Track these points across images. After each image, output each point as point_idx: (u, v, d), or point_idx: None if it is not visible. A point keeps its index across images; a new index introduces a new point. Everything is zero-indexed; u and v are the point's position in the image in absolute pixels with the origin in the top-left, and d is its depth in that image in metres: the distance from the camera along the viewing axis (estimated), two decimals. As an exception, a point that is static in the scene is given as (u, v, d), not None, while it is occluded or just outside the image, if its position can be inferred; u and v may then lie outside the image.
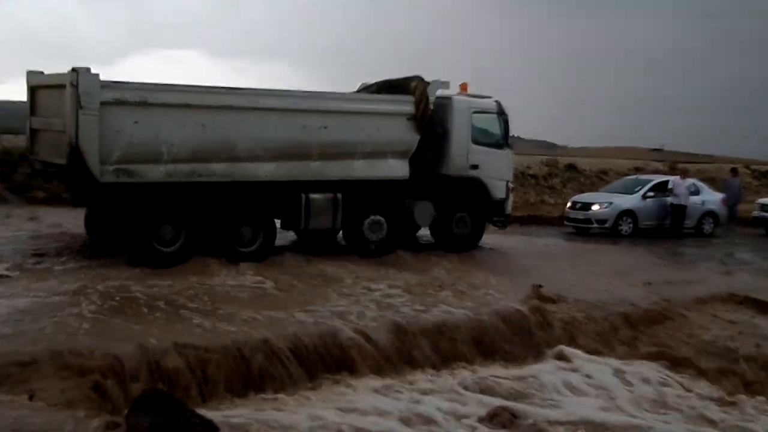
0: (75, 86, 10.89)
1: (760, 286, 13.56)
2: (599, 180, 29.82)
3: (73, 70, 10.92)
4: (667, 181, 21.40)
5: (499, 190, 15.43)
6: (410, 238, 15.68)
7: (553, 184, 28.83)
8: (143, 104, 11.42)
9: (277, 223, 13.37)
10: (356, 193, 13.66)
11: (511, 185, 15.80)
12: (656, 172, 29.94)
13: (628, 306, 11.30)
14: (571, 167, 31.70)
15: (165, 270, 11.42)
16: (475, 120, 15.06)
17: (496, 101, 15.49)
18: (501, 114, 15.40)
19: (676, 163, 34.56)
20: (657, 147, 51.55)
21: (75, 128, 10.96)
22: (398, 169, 13.99)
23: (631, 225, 20.46)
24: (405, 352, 9.32)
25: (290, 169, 12.82)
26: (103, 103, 11.09)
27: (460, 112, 14.90)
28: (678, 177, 21.42)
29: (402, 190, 14.26)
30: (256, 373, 8.26)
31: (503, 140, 15.48)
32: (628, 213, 20.48)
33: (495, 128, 15.40)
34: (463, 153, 14.88)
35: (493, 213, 15.55)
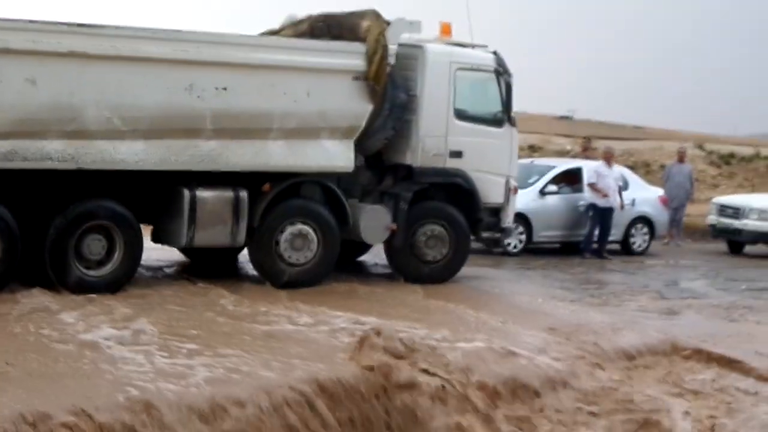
0: None
1: (715, 330, 13.85)
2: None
3: None
4: (578, 169, 21.45)
5: (493, 191, 15.76)
6: (351, 261, 16.02)
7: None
8: (-63, 47, 11.56)
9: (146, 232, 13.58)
10: (271, 191, 13.90)
11: (513, 184, 16.17)
12: (562, 154, 30.10)
13: (508, 366, 10.87)
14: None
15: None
16: (461, 82, 15.37)
17: (494, 53, 15.83)
18: (501, 73, 15.72)
19: (590, 138, 32.64)
20: (565, 114, 51.39)
21: None
22: (337, 155, 14.25)
23: (522, 237, 20.61)
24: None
25: (167, 152, 13.01)
26: None
27: (437, 68, 15.16)
28: (601, 163, 21.42)
29: (343, 189, 14.53)
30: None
31: (504, 114, 15.81)
32: (517, 218, 19.83)
33: (491, 95, 15.73)
34: (438, 133, 15.17)
35: (483, 226, 15.86)
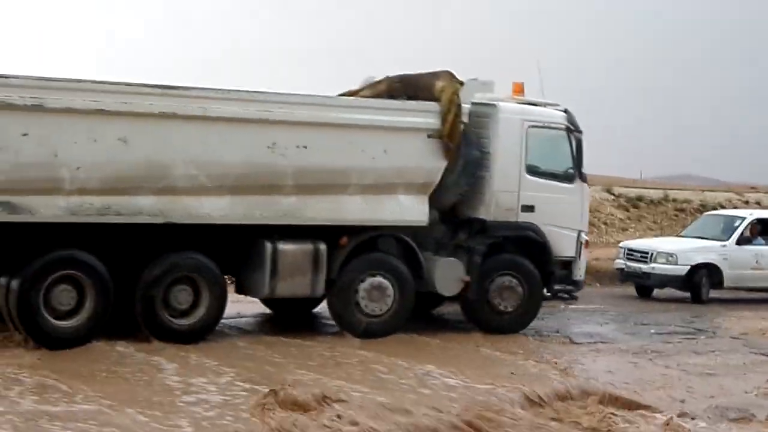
0: (-60, 82, 11.71)
1: (624, 375, 13.60)
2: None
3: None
4: None
5: (565, 245, 16.10)
6: (426, 312, 16.41)
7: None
8: (38, 108, 12.22)
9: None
10: (349, 244, 14.38)
11: (584, 238, 16.46)
12: None
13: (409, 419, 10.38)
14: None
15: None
16: (532, 139, 15.77)
17: (565, 110, 16.24)
18: (572, 131, 16.11)
19: None
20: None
21: (-63, 141, 11.78)
22: (413, 210, 14.71)
23: None
24: None
25: (251, 206, 13.57)
26: (-21, 107, 11.91)
27: (510, 126, 15.58)
28: None
29: (418, 242, 14.94)
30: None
31: (574, 170, 16.19)
32: None
33: (562, 152, 16.13)
34: (511, 188, 15.57)
35: (555, 279, 16.16)
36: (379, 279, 14.57)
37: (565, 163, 16.18)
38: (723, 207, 34.06)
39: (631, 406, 11.73)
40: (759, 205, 36.91)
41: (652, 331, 17.64)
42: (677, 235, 25.92)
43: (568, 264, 16.23)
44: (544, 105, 16.31)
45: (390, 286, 14.64)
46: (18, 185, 12.18)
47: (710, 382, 13.43)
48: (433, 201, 14.95)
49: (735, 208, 33.29)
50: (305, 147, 13.79)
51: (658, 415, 11.33)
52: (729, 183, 56.50)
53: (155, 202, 12.98)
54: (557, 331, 17.08)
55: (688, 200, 36.73)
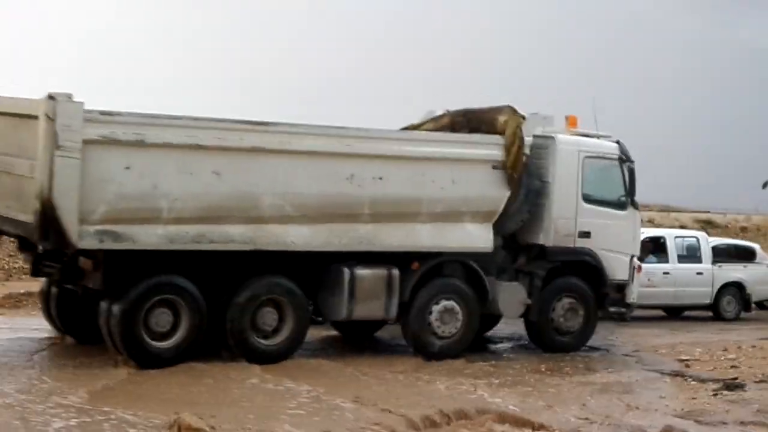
0: (52, 119, 12.32)
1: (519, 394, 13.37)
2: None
3: (50, 96, 12.34)
4: None
5: (619, 268, 16.80)
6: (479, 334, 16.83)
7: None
8: (139, 144, 12.90)
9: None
10: (420, 269, 15.07)
11: (637, 262, 17.14)
12: None
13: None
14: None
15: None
16: (588, 169, 16.50)
17: (618, 142, 16.96)
18: (625, 161, 16.83)
19: None
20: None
21: (48, 174, 12.35)
22: (479, 236, 15.40)
23: None
24: None
25: (331, 234, 14.26)
26: (86, 142, 12.53)
27: (567, 157, 16.31)
28: None
29: (481, 267, 15.63)
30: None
31: (627, 198, 16.90)
32: None
33: (616, 181, 16.85)
34: (569, 215, 16.28)
35: (609, 301, 16.91)
36: (450, 302, 15.24)
37: (618, 191, 16.88)
38: None
39: (525, 424, 11.58)
40: (651, 223, 36.57)
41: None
42: None
43: (622, 287, 16.92)
44: (598, 137, 17.03)
45: (459, 309, 15.30)
46: (121, 215, 12.82)
47: (604, 400, 13.28)
48: (497, 228, 15.60)
49: None
50: (381, 178, 14.48)
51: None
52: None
53: (245, 231, 13.63)
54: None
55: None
